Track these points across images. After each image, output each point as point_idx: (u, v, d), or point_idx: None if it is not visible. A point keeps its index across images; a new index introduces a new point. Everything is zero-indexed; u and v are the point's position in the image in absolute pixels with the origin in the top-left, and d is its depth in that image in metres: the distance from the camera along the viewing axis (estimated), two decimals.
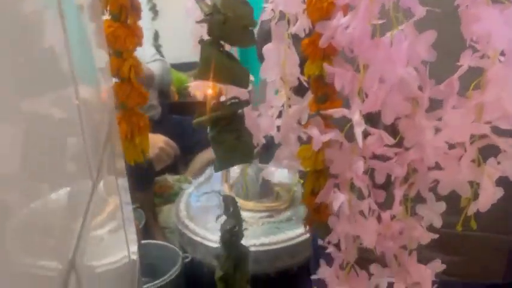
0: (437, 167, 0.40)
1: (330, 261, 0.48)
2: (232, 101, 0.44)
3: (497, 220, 0.50)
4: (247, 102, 0.45)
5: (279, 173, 1.55)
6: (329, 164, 0.43)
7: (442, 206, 0.42)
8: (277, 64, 0.47)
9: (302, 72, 0.46)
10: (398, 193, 0.40)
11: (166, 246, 1.52)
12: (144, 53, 1.88)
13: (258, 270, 1.36)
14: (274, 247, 1.38)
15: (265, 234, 1.40)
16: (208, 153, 1.95)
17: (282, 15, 0.46)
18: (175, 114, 2.00)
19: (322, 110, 0.44)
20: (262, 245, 1.36)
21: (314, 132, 0.41)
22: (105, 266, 0.33)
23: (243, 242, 1.35)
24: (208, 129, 0.44)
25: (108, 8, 0.42)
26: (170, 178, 1.94)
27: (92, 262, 0.28)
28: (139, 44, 0.45)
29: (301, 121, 0.49)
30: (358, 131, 0.38)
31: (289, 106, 0.50)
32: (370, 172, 0.42)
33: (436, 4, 0.40)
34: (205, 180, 1.74)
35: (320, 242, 0.46)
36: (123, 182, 0.43)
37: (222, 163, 0.44)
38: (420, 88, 0.40)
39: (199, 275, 1.45)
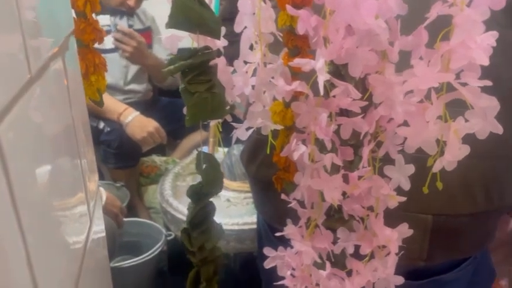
0: (406, 126, 0.39)
1: (296, 221, 0.47)
2: (204, 51, 0.43)
3: (415, 199, 0.47)
4: (219, 52, 0.44)
5: None
6: (295, 118, 0.43)
7: (411, 168, 0.42)
8: (252, 18, 0.46)
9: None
10: (366, 151, 0.40)
11: (150, 224, 1.52)
12: None
13: (241, 249, 1.36)
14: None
15: (249, 213, 1.40)
16: (196, 137, 1.95)
17: None
18: (166, 96, 1.99)
19: (292, 61, 0.43)
20: (245, 223, 1.36)
21: (279, 82, 0.41)
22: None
23: (228, 219, 1.36)
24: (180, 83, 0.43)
25: None
26: (157, 159, 1.93)
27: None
28: None
29: (274, 77, 0.48)
30: (321, 79, 0.37)
31: (264, 64, 0.49)
32: (337, 130, 0.42)
33: None
34: (192, 160, 1.74)
35: (284, 196, 0.45)
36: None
37: (193, 116, 0.43)
38: (391, 44, 0.39)
39: (182, 252, 1.45)
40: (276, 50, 0.49)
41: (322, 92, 0.37)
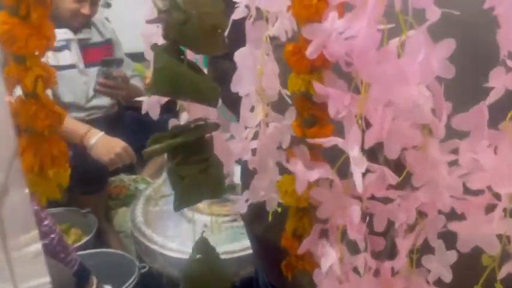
0: (452, 212, 0.32)
1: None
2: (198, 123, 0.34)
3: None
4: (216, 125, 0.35)
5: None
6: (315, 204, 0.35)
7: (453, 255, 0.35)
8: (253, 74, 0.38)
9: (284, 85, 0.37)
10: (404, 245, 0.32)
11: (121, 255, 1.40)
12: None
13: None
14: (239, 254, 1.29)
15: (229, 240, 1.31)
16: None
17: (260, 14, 0.36)
18: (132, 110, 1.86)
19: (309, 135, 0.35)
20: (225, 253, 1.27)
21: (298, 168, 0.32)
22: None
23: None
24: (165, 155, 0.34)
25: None
26: (126, 178, 1.81)
27: None
28: (50, 46, 0.34)
29: (282, 144, 0.39)
30: (358, 172, 0.29)
31: (267, 125, 0.40)
32: (366, 215, 0.34)
33: (450, 5, 0.32)
34: (164, 181, 1.62)
35: None
36: None
37: (183, 200, 0.34)
38: (433, 113, 0.32)
39: (157, 286, 1.35)
40: (279, 108, 0.41)
41: (360, 188, 0.29)
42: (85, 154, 1.48)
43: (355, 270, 0.33)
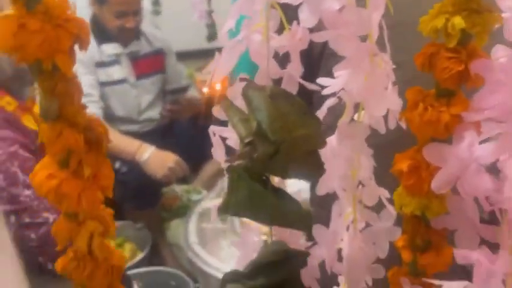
0: None
1: None
2: (284, 249, 0.28)
3: None
4: (307, 254, 0.29)
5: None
6: None
7: None
8: (344, 175, 0.31)
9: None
10: None
11: (176, 275, 1.39)
12: None
13: None
14: None
15: None
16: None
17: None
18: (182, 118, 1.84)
19: (421, 262, 0.28)
20: None
21: None
22: None
23: None
24: None
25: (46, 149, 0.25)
26: (178, 188, 1.80)
27: None
28: (107, 194, 0.27)
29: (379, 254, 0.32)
30: None
31: (358, 229, 0.33)
32: None
33: None
34: (219, 193, 1.59)
35: None
36: None
37: None
38: None
39: None
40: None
41: None
42: (139, 170, 1.47)
43: None
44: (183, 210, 1.71)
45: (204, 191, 1.76)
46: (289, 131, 0.23)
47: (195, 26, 1.78)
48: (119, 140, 1.43)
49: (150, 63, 1.69)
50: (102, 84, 1.55)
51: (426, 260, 0.28)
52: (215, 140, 0.31)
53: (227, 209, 0.27)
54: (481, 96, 0.22)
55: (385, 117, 0.29)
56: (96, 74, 1.53)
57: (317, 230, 0.34)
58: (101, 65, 1.54)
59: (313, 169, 0.25)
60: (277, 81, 0.30)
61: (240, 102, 0.25)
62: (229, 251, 1.32)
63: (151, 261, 1.49)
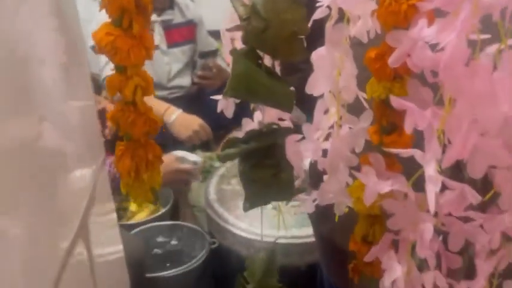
0: None
1: None
2: (272, 127, 0.34)
3: None
4: (289, 130, 0.35)
5: None
6: (388, 215, 0.34)
7: None
8: (330, 76, 0.37)
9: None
10: (484, 268, 0.30)
11: (194, 230, 1.48)
12: None
13: (287, 263, 1.29)
14: (306, 240, 1.30)
15: (298, 225, 1.32)
16: None
17: (340, 15, 0.35)
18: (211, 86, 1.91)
19: (386, 143, 0.34)
20: (293, 237, 1.29)
21: (369, 179, 0.31)
22: None
23: (271, 232, 1.29)
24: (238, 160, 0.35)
25: (106, 10, 0.33)
26: (201, 155, 1.88)
27: None
28: (149, 57, 0.36)
29: (355, 148, 0.39)
30: (431, 190, 0.28)
31: (341, 127, 0.39)
32: (441, 232, 0.33)
33: None
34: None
35: None
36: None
37: (253, 202, 0.35)
38: None
39: (225, 262, 1.40)
40: (354, 110, 0.39)
41: (433, 209, 0.28)
42: (164, 131, 1.56)
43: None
44: (204, 175, 1.80)
45: None
46: (278, 13, 0.29)
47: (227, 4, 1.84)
48: (150, 101, 1.52)
49: (181, 33, 1.77)
50: None
51: (390, 140, 0.34)
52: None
53: (231, 92, 0.34)
54: None
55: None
56: None
57: (305, 127, 0.40)
58: None
59: (297, 53, 0.31)
60: None
61: None
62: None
63: (171, 219, 1.58)
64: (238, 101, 0.38)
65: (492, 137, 0.28)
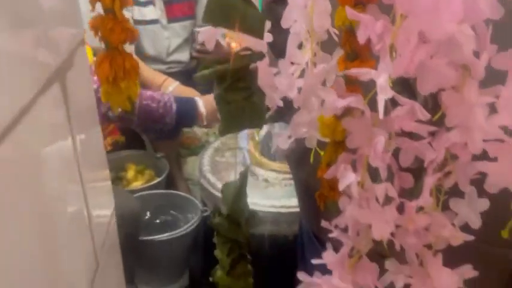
0: (485, 155, 0.32)
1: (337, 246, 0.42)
2: (244, 52, 0.37)
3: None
4: (261, 55, 0.38)
5: None
6: (347, 136, 0.37)
7: (486, 203, 0.35)
8: (303, 12, 0.39)
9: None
10: (429, 181, 0.33)
11: (187, 198, 1.52)
12: None
13: (277, 232, 1.34)
14: (295, 210, 1.33)
15: (287, 196, 1.36)
16: None
17: None
18: None
19: (349, 69, 0.37)
20: (283, 206, 1.33)
21: (330, 95, 0.34)
22: None
23: (265, 201, 1.33)
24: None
25: None
26: (199, 131, 1.91)
27: None
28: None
29: (327, 83, 0.41)
30: (381, 98, 0.31)
31: (314, 64, 0.42)
32: (396, 150, 0.36)
33: None
34: (233, 135, 1.70)
35: (326, 223, 0.40)
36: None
37: (227, 126, 0.38)
38: (476, 54, 0.32)
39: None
40: (328, 49, 0.42)
41: (381, 115, 0.31)
42: None
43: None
44: (200, 150, 1.83)
45: None
46: None
47: None
48: (148, 73, 1.55)
49: (182, 8, 1.78)
50: (137, 22, 1.66)
51: (354, 66, 0.36)
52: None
53: (206, 17, 0.37)
54: None
55: None
56: (133, 12, 1.64)
57: (281, 62, 0.43)
58: (137, 3, 1.65)
59: None
60: None
61: None
62: None
63: (166, 188, 1.62)
64: (218, 34, 0.41)
65: (440, 57, 0.31)
